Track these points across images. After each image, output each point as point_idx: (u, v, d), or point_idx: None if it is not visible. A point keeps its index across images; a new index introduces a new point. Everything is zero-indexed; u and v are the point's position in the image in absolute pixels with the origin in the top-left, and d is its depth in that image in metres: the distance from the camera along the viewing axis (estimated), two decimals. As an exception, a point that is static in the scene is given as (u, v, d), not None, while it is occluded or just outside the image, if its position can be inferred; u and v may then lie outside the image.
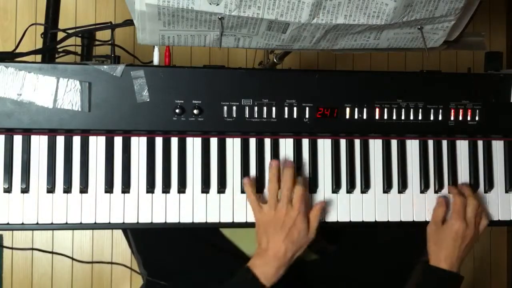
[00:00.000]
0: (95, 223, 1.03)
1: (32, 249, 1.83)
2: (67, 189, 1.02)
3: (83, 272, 1.92)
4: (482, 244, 2.11)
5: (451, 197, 1.08)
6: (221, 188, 1.06)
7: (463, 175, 1.13)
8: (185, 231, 1.15)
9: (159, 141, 1.05)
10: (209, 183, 1.05)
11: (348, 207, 1.09)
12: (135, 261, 1.30)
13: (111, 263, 1.88)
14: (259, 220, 1.01)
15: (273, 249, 0.99)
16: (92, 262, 1.89)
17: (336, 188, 1.09)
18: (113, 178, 1.03)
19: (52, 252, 1.82)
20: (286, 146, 1.08)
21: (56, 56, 1.19)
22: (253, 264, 1.00)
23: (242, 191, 1.06)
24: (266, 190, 1.04)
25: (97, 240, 1.92)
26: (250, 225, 1.06)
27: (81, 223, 1.02)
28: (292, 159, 1.08)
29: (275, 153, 1.08)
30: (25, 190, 1.01)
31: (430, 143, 1.13)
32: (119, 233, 1.89)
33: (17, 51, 1.04)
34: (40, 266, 1.90)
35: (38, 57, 1.18)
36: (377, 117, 1.08)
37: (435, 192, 1.12)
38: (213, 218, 1.05)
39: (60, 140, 1.02)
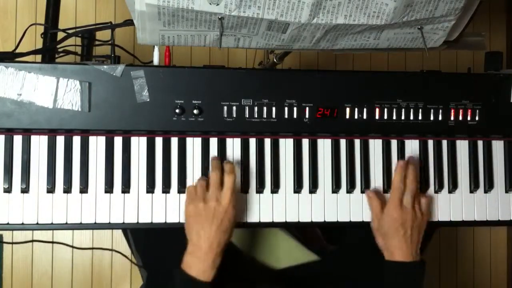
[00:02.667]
0: (95, 223, 1.03)
1: (32, 241, 1.83)
2: (67, 189, 1.02)
3: (83, 270, 1.92)
4: (482, 244, 2.11)
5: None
6: (221, 188, 1.05)
7: (463, 175, 1.13)
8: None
9: (159, 141, 1.05)
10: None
11: (348, 207, 1.09)
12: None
13: (111, 249, 1.88)
14: (190, 212, 0.99)
15: (206, 243, 0.97)
16: (91, 248, 1.89)
17: (336, 188, 1.09)
18: (113, 178, 1.03)
19: (52, 242, 1.81)
20: (286, 146, 1.08)
21: (56, 56, 1.19)
22: (187, 265, 0.98)
23: (243, 191, 1.06)
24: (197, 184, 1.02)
25: (97, 240, 1.92)
26: (250, 225, 1.06)
27: (81, 223, 1.02)
28: (292, 159, 1.08)
29: (275, 153, 1.08)
30: (25, 190, 1.01)
31: (430, 143, 1.13)
32: (119, 233, 1.89)
33: (17, 51, 1.04)
34: (40, 265, 1.90)
35: (38, 57, 1.18)
36: (377, 117, 1.08)
37: (435, 192, 1.12)
38: (213, 218, 1.05)
39: (60, 140, 1.02)
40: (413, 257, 1.03)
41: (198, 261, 0.97)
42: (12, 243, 1.84)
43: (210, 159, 1.04)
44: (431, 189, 1.12)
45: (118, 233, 1.89)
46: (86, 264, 1.92)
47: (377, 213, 1.05)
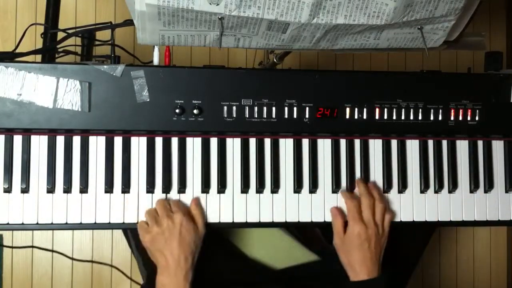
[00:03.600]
0: (95, 223, 1.03)
1: (32, 246, 1.83)
2: (67, 189, 1.02)
3: (83, 272, 1.92)
4: (482, 244, 2.11)
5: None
6: (221, 188, 1.06)
7: (463, 175, 1.13)
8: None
9: (159, 141, 1.05)
10: (209, 183, 1.05)
11: (348, 207, 1.09)
12: (134, 263, 1.30)
13: (110, 265, 1.88)
14: (149, 240, 1.00)
15: (173, 260, 0.98)
16: (91, 262, 1.89)
17: (336, 188, 1.09)
18: (113, 178, 1.03)
19: (52, 251, 1.81)
20: (286, 146, 1.08)
21: (56, 56, 1.19)
22: (161, 285, 0.99)
23: (243, 191, 1.06)
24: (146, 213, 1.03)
25: (97, 240, 1.92)
26: (250, 225, 1.06)
27: (81, 223, 1.02)
28: (292, 159, 1.08)
29: (275, 153, 1.08)
30: (25, 190, 1.01)
31: (430, 143, 1.13)
32: (119, 233, 1.89)
33: (17, 51, 1.04)
34: (40, 266, 1.90)
35: (38, 57, 1.18)
36: (377, 117, 1.08)
37: (435, 192, 1.12)
38: (213, 218, 1.05)
39: (60, 140, 1.02)
40: (377, 272, 1.03)
41: (170, 279, 0.98)
42: (12, 247, 1.84)
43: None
44: (431, 189, 1.12)
45: (118, 233, 1.89)
46: (86, 266, 1.92)
47: (340, 230, 1.05)
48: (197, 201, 1.04)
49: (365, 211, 1.04)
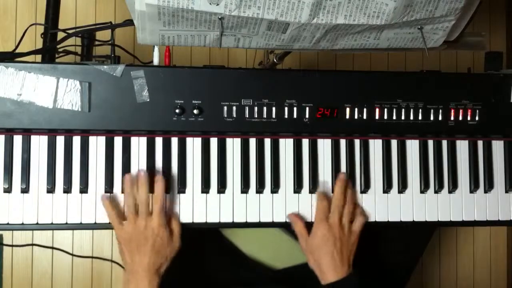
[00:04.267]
0: (95, 223, 1.03)
1: (32, 244, 1.83)
2: (67, 189, 1.02)
3: (83, 270, 1.92)
4: (482, 244, 2.11)
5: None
6: (221, 188, 1.06)
7: (463, 175, 1.13)
8: (185, 231, 1.15)
9: (159, 141, 1.05)
10: (209, 183, 1.05)
11: (348, 207, 1.09)
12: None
13: (111, 260, 1.88)
14: (120, 237, 0.98)
15: (141, 266, 0.96)
16: (91, 257, 1.89)
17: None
18: (113, 178, 1.03)
19: (52, 248, 1.81)
20: (286, 146, 1.08)
21: (56, 56, 1.19)
22: (127, 282, 0.98)
23: (243, 191, 1.06)
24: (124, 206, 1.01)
25: (97, 237, 1.92)
26: (250, 225, 1.06)
27: (81, 223, 1.02)
28: (292, 159, 1.08)
29: (275, 153, 1.08)
30: (25, 190, 1.01)
31: (430, 143, 1.13)
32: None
33: (17, 51, 1.04)
34: (40, 265, 1.90)
35: (38, 57, 1.18)
36: (377, 117, 1.08)
37: (435, 192, 1.12)
38: (213, 218, 1.05)
39: (60, 140, 1.02)
40: (346, 271, 1.01)
41: (135, 284, 0.96)
42: (12, 245, 1.84)
43: (137, 172, 1.01)
44: (431, 189, 1.12)
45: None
46: (86, 264, 1.92)
47: (303, 233, 1.04)
48: (177, 216, 1.03)
49: (332, 213, 1.03)
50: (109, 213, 1.00)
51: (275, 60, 1.55)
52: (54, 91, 0.99)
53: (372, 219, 1.09)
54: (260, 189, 1.07)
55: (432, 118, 1.09)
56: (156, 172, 1.03)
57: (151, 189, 0.99)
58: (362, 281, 1.02)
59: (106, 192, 1.03)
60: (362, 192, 1.10)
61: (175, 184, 1.05)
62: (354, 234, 1.04)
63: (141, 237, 0.97)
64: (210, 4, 0.88)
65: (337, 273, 1.00)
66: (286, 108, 1.05)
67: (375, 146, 1.11)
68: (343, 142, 1.10)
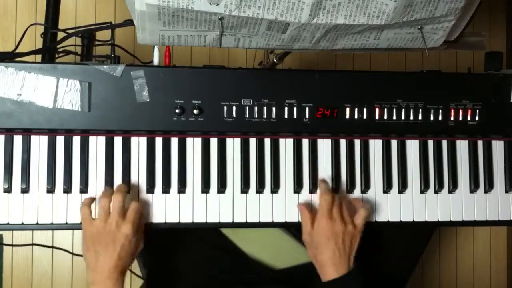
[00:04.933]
0: (95, 223, 1.02)
1: (32, 244, 1.82)
2: (67, 189, 1.02)
3: (83, 270, 1.92)
4: (482, 244, 2.11)
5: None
6: (221, 188, 1.06)
7: (463, 175, 1.13)
8: (185, 231, 1.15)
9: (159, 141, 1.05)
10: (209, 183, 1.05)
11: (348, 207, 1.09)
12: (135, 261, 1.30)
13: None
14: (87, 231, 0.96)
15: (106, 267, 0.95)
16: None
17: (336, 188, 1.09)
18: (113, 178, 1.03)
19: (52, 247, 1.81)
20: (286, 146, 1.08)
21: (56, 56, 1.19)
22: (91, 283, 0.96)
23: (242, 191, 1.06)
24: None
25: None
26: (250, 225, 1.06)
27: (81, 223, 1.02)
28: (292, 159, 1.08)
29: (275, 153, 1.08)
30: (25, 190, 1.01)
31: (430, 143, 1.13)
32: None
33: (17, 51, 1.04)
34: (40, 265, 1.90)
35: (38, 57, 1.18)
36: (377, 117, 1.08)
37: (435, 192, 1.12)
38: (213, 218, 1.05)
39: (60, 140, 1.02)
40: (347, 268, 1.00)
41: (100, 286, 0.95)
42: (12, 245, 1.84)
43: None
44: (431, 189, 1.12)
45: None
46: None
47: (308, 226, 1.02)
48: (142, 216, 1.01)
49: (334, 208, 1.02)
50: (85, 204, 0.99)
51: (275, 60, 1.55)
52: (54, 91, 0.99)
53: (372, 219, 1.09)
54: (260, 189, 1.07)
55: (432, 118, 1.09)
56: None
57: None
58: (365, 277, 1.01)
59: (106, 192, 1.03)
60: (362, 192, 1.10)
61: (175, 184, 1.05)
62: (356, 229, 1.02)
63: (109, 237, 0.95)
64: (210, 4, 0.88)
65: (337, 269, 0.99)
66: (286, 108, 1.05)
67: (375, 146, 1.11)
68: (343, 142, 1.10)
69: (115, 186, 1.03)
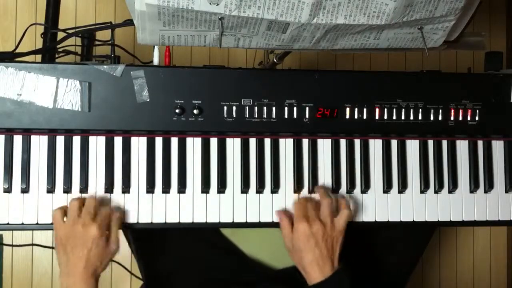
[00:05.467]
0: (95, 223, 1.02)
1: (32, 244, 1.82)
2: (67, 189, 1.02)
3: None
4: (482, 244, 2.11)
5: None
6: (221, 188, 1.06)
7: (463, 175, 1.13)
8: (185, 232, 1.15)
9: (159, 141, 1.05)
10: (209, 183, 1.05)
11: (348, 207, 1.09)
12: (134, 261, 1.30)
13: (111, 260, 1.88)
14: (58, 231, 0.96)
15: (76, 269, 0.94)
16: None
17: (336, 188, 1.09)
18: (113, 178, 1.03)
19: (52, 248, 1.81)
20: (286, 146, 1.08)
21: (56, 56, 1.19)
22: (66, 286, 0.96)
23: (243, 191, 1.06)
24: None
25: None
26: (250, 225, 1.06)
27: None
28: (292, 159, 1.08)
29: (275, 153, 1.08)
30: (25, 190, 1.01)
31: (430, 143, 1.13)
32: (119, 233, 1.89)
33: (17, 51, 1.04)
34: (40, 266, 1.90)
35: (38, 57, 1.18)
36: (377, 117, 1.08)
37: (435, 192, 1.12)
38: (213, 218, 1.05)
39: (60, 140, 1.02)
40: (331, 269, 0.98)
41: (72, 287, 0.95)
42: (12, 245, 1.84)
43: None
44: (431, 189, 1.12)
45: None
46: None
47: (288, 232, 1.01)
48: (119, 217, 1.01)
49: (310, 210, 1.01)
50: (59, 207, 0.99)
51: (275, 60, 1.55)
52: (54, 91, 0.99)
53: (372, 219, 1.09)
54: (260, 189, 1.07)
55: (432, 118, 1.09)
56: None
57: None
58: (353, 275, 1.00)
59: (106, 192, 1.03)
60: (362, 192, 1.10)
61: (174, 184, 1.05)
62: (337, 229, 1.00)
63: (78, 240, 0.95)
64: (210, 4, 0.89)
65: (321, 271, 0.98)
66: (286, 108, 1.05)
67: (375, 146, 1.11)
68: (343, 142, 1.10)
69: (115, 186, 1.03)
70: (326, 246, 0.99)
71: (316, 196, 1.07)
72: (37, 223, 1.01)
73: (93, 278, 0.96)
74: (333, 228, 1.00)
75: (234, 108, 1.04)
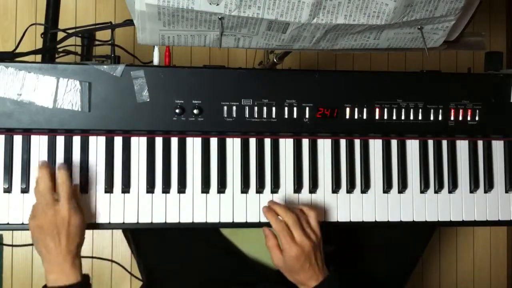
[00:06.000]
0: (95, 223, 1.03)
1: (32, 244, 1.82)
2: (67, 189, 1.02)
3: (83, 271, 1.92)
4: (482, 244, 2.11)
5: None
6: (221, 188, 1.06)
7: (463, 175, 1.13)
8: (185, 232, 1.15)
9: (159, 141, 1.05)
10: (209, 183, 1.05)
11: (348, 207, 1.09)
12: (134, 261, 1.30)
13: (111, 260, 1.88)
14: (32, 226, 0.94)
15: (58, 254, 0.94)
16: (91, 257, 1.89)
17: (336, 188, 1.09)
18: (113, 178, 1.03)
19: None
20: (286, 146, 1.08)
21: (56, 56, 1.19)
22: (52, 281, 0.96)
23: (243, 191, 1.06)
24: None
25: (97, 240, 1.92)
26: (250, 225, 1.06)
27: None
28: (292, 159, 1.08)
29: (275, 153, 1.08)
30: (25, 190, 1.01)
31: (430, 143, 1.13)
32: (119, 233, 1.89)
33: (17, 51, 1.04)
34: (40, 266, 1.89)
35: (38, 57, 1.18)
36: (377, 117, 1.08)
37: (435, 192, 1.12)
38: (213, 218, 1.05)
39: (60, 140, 1.02)
40: (323, 275, 1.00)
41: (58, 272, 0.95)
42: (12, 245, 1.84)
43: (38, 163, 0.97)
44: (431, 189, 1.12)
45: (118, 233, 1.89)
46: (86, 264, 1.91)
47: (276, 251, 1.00)
48: (76, 187, 0.99)
49: (294, 231, 0.99)
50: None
51: (275, 60, 1.55)
52: (54, 91, 0.99)
53: (372, 219, 1.09)
54: (260, 189, 1.07)
55: (432, 118, 1.09)
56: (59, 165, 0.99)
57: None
58: (342, 274, 1.02)
59: (106, 192, 1.03)
60: (362, 192, 1.10)
61: (174, 184, 1.04)
62: (318, 234, 1.01)
63: (51, 226, 0.93)
64: (210, 4, 0.89)
65: (317, 279, 1.00)
66: (286, 108, 1.05)
67: (375, 146, 1.11)
68: (343, 142, 1.10)
69: (115, 186, 1.03)
70: (317, 258, 1.00)
71: (303, 197, 1.07)
72: (37, 223, 1.01)
73: (77, 256, 0.96)
74: (316, 236, 1.01)
75: (234, 108, 1.04)
